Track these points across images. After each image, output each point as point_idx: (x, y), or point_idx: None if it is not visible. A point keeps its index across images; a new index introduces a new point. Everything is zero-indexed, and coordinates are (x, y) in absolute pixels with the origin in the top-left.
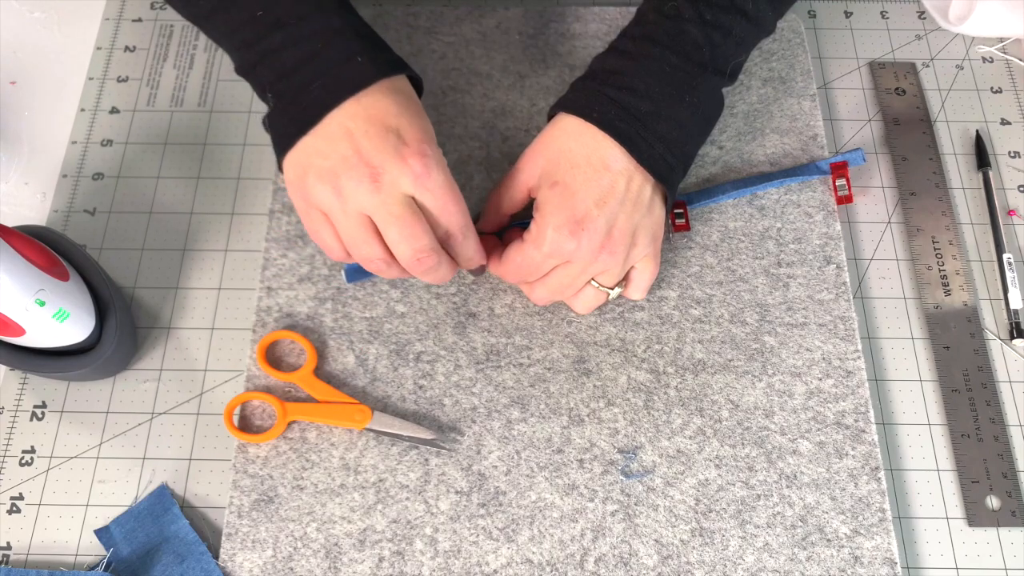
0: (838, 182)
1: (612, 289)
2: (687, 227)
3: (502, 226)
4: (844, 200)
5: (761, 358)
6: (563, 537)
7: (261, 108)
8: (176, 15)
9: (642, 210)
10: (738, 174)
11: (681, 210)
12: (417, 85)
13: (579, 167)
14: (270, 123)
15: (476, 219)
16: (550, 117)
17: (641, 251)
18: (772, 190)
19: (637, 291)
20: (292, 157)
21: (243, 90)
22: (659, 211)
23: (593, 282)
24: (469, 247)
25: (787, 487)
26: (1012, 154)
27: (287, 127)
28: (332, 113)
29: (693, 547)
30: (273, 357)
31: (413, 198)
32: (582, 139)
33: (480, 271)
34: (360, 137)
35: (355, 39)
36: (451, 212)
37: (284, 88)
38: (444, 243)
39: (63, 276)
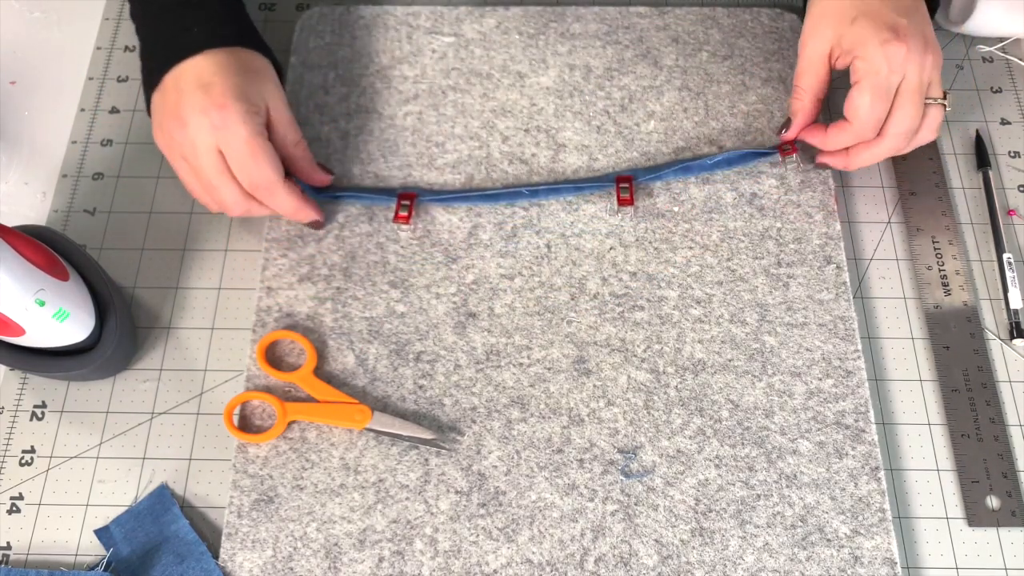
0: (788, 158)
1: (944, 99)
2: (631, 202)
3: (816, 113)
4: (624, 202)
5: (761, 358)
6: (563, 537)
7: None
8: None
9: (929, 23)
10: (737, 173)
11: (627, 184)
12: (277, 67)
13: (870, 1)
14: (141, 71)
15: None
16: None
17: (940, 61)
18: (772, 190)
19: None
20: (153, 113)
21: None
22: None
23: (928, 100)
24: (278, 202)
25: (787, 487)
26: (1012, 154)
27: (150, 73)
28: (168, 73)
29: (693, 547)
30: (273, 357)
31: (219, 149)
32: None
33: (316, 227)
34: (182, 93)
35: (203, 10)
36: (250, 166)
37: (148, 49)
38: (255, 196)
39: (63, 276)
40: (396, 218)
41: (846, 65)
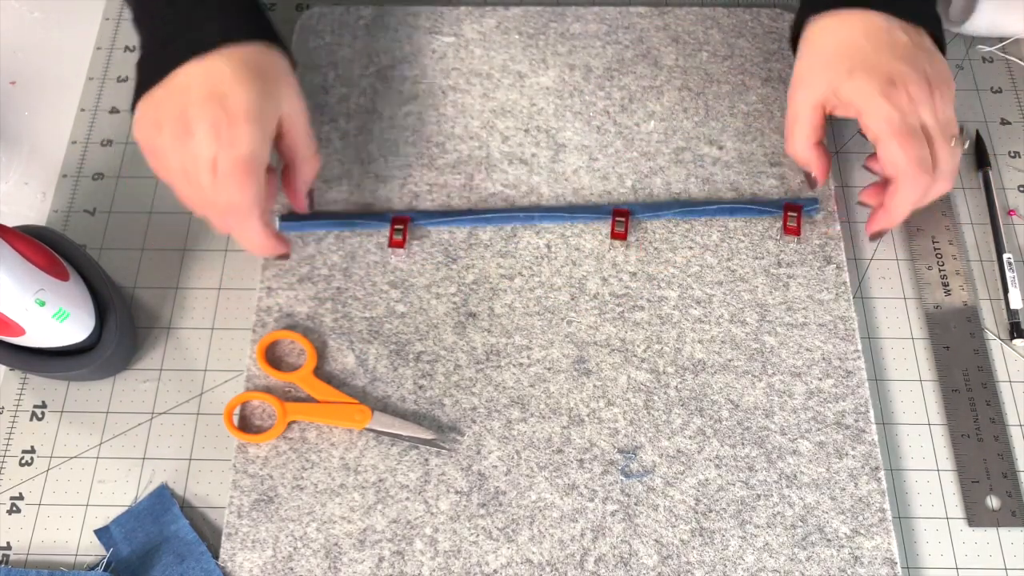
0: (790, 214)
1: (960, 136)
2: (624, 236)
3: (819, 158)
4: (792, 231)
5: (761, 358)
6: (563, 537)
7: None
8: None
9: (935, 55)
10: (737, 173)
11: (623, 219)
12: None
13: (861, 46)
14: (139, 67)
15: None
16: (793, 40)
17: (952, 93)
18: (772, 190)
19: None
20: (143, 103)
21: None
22: (941, 56)
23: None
24: (247, 233)
25: (787, 487)
26: (1012, 154)
27: (147, 76)
28: (178, 70)
29: (693, 547)
30: (273, 357)
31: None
32: (848, 24)
33: (283, 257)
34: (191, 100)
35: (218, 3)
36: (230, 191)
37: (149, 41)
38: (224, 218)
39: (63, 276)
40: (391, 243)
41: (846, 114)
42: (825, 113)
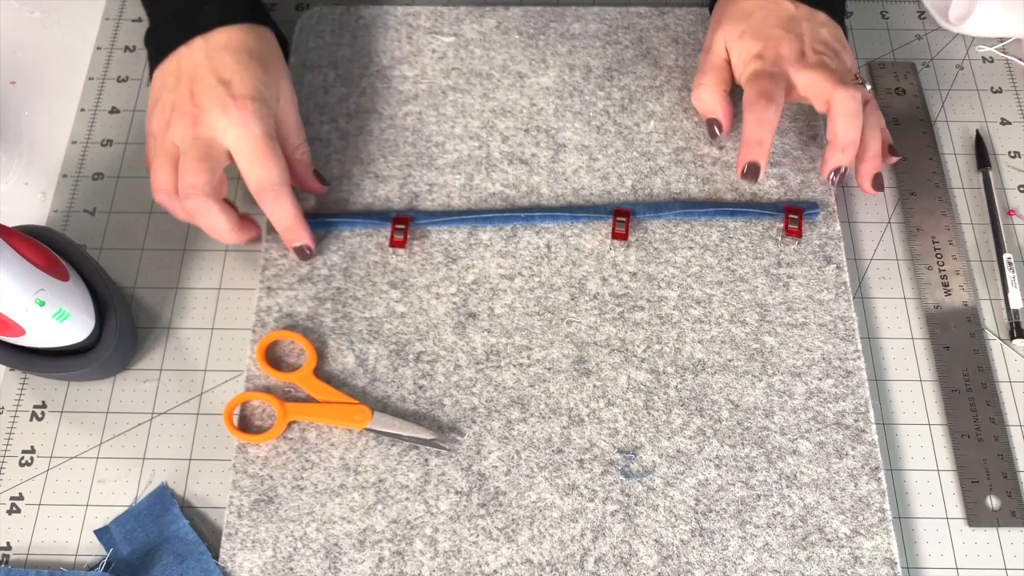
0: (791, 216)
1: (855, 78)
2: (625, 236)
3: (726, 105)
4: (793, 233)
5: (761, 358)
6: (563, 537)
7: None
8: None
9: (820, 24)
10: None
11: (624, 219)
12: (281, 40)
13: (751, 12)
14: (147, 40)
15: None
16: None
17: (849, 57)
18: (772, 190)
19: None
20: (157, 76)
21: None
22: (832, 23)
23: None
24: (280, 207)
25: (787, 487)
26: (1012, 154)
27: (157, 48)
28: (181, 48)
29: (693, 547)
30: (273, 357)
31: (228, 149)
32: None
33: (303, 255)
34: (199, 82)
35: None
36: (262, 165)
37: (155, 16)
38: (258, 198)
39: (63, 276)
40: (392, 243)
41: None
42: (730, 67)
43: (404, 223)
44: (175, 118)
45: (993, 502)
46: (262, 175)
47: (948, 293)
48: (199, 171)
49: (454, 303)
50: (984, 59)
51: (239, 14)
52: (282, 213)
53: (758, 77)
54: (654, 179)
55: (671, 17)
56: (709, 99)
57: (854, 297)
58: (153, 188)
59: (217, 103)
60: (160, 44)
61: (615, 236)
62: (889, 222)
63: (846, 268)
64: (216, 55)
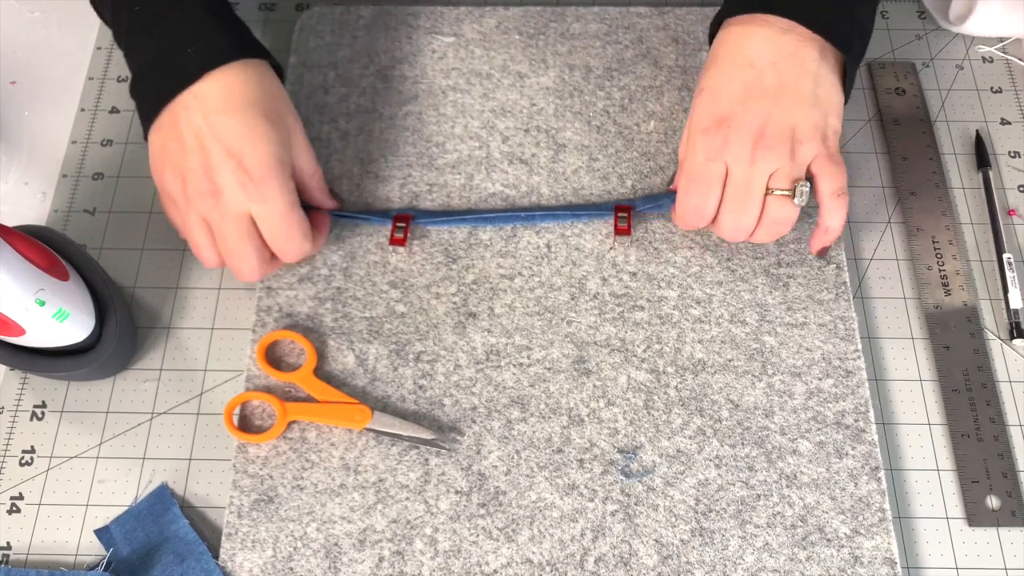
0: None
1: (790, 191)
2: (628, 231)
3: None
4: (622, 231)
5: (761, 358)
6: (563, 537)
7: None
8: None
9: (802, 102)
10: None
11: (625, 214)
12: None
13: (721, 67)
14: (132, 92)
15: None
16: (711, 36)
17: (809, 149)
18: None
19: (829, 208)
20: (155, 138)
21: None
22: (830, 97)
23: (771, 190)
24: (301, 256)
25: (787, 487)
26: (1012, 154)
27: (145, 104)
28: (173, 107)
29: (693, 547)
30: (273, 357)
31: (251, 216)
32: (726, 42)
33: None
34: (208, 155)
35: (189, 20)
36: (287, 239)
37: (134, 62)
38: (282, 258)
39: (63, 276)
40: (392, 240)
41: None
42: None
43: (405, 221)
44: (193, 190)
45: (993, 502)
46: (287, 248)
47: (948, 293)
48: (243, 255)
49: (454, 303)
50: (984, 59)
51: (223, 53)
52: (301, 257)
53: (689, 182)
54: (654, 179)
55: (671, 17)
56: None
57: (854, 297)
58: (199, 258)
59: (234, 181)
60: (147, 99)
61: (618, 232)
62: (889, 222)
63: (846, 268)
64: (216, 120)
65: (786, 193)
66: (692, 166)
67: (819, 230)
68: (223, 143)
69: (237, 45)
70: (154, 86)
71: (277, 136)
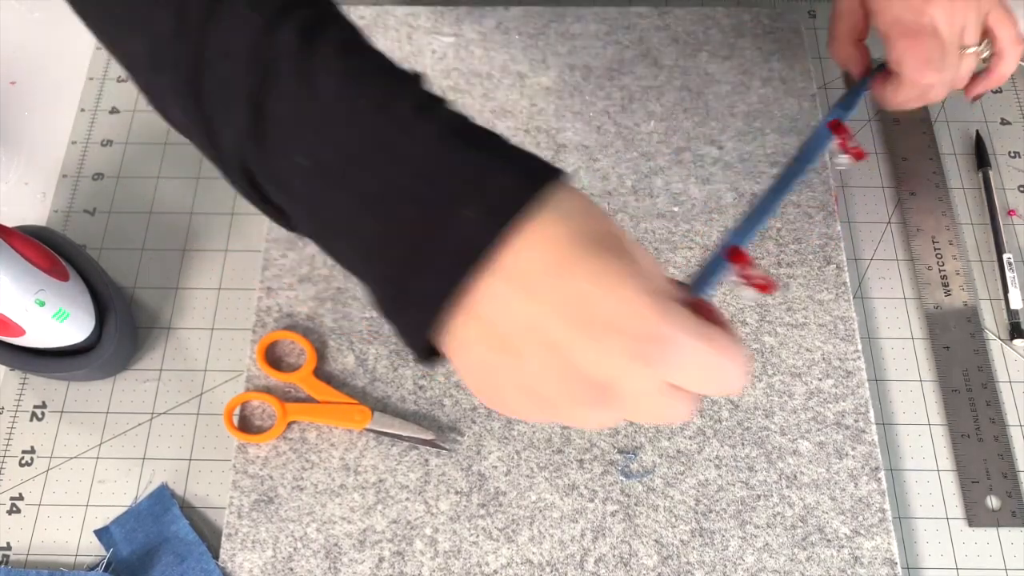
0: (847, 136)
1: (980, 46)
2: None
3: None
4: (857, 153)
5: (761, 358)
6: (563, 537)
7: None
8: None
9: None
10: (737, 173)
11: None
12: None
13: None
14: (387, 310)
15: None
16: None
17: (988, 3)
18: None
19: (1011, 55)
20: (461, 359)
21: None
22: None
23: (963, 49)
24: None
25: (787, 487)
26: (1012, 154)
27: (419, 312)
28: (466, 301)
29: (693, 547)
30: (273, 357)
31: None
32: None
33: None
34: (565, 345)
35: (448, 164)
36: (716, 375)
37: (381, 270)
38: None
39: (63, 276)
40: None
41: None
42: (865, 15)
43: None
44: (567, 401)
45: (993, 502)
46: (722, 386)
47: (948, 293)
48: (680, 415)
49: None
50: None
51: (517, 194)
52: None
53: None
54: (654, 179)
55: (671, 17)
56: (843, 50)
57: (854, 297)
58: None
59: (623, 357)
60: (420, 306)
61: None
62: (889, 222)
63: (846, 268)
64: (547, 294)
65: (976, 49)
66: (910, 26)
67: (991, 77)
68: (573, 320)
69: (524, 173)
70: (425, 287)
71: (629, 265)
